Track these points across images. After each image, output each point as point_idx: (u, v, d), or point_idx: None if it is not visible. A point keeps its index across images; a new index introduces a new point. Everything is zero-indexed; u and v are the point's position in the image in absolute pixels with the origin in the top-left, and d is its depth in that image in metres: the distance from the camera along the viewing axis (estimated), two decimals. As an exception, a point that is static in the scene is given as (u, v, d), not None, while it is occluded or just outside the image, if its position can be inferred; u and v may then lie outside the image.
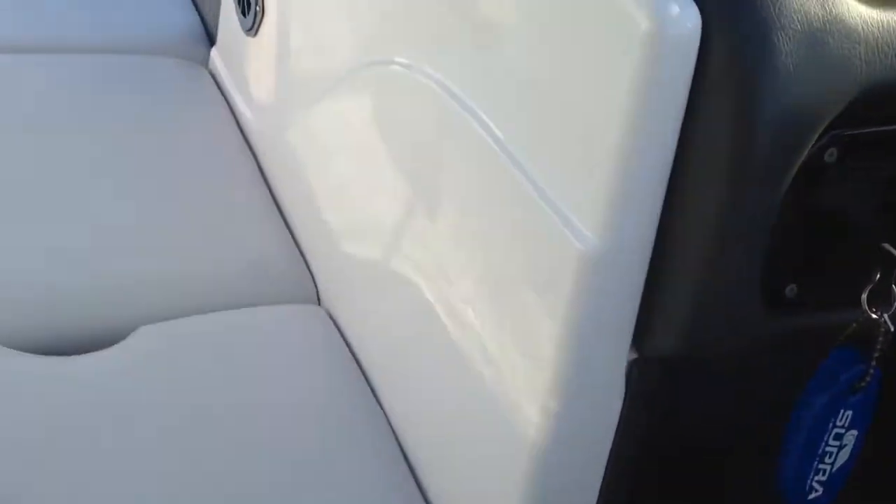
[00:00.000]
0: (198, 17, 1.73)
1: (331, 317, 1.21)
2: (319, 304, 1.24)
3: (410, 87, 0.98)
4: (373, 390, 1.10)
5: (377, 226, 1.08)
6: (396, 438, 1.05)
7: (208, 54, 1.66)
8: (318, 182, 1.24)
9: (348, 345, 1.17)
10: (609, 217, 0.72)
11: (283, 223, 1.33)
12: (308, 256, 1.28)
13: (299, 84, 1.31)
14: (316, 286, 1.26)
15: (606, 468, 0.84)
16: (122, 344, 1.08)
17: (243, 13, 1.47)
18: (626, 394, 0.80)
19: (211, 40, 1.68)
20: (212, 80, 1.61)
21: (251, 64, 1.48)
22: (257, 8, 1.41)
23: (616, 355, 0.79)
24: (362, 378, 1.12)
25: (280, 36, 1.36)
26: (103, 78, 1.52)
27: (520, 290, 0.83)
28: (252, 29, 1.44)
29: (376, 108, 1.08)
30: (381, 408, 1.08)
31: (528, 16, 0.80)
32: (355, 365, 1.14)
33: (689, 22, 0.66)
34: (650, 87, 0.67)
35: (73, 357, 1.06)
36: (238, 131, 1.50)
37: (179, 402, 1.04)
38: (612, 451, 0.82)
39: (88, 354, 1.06)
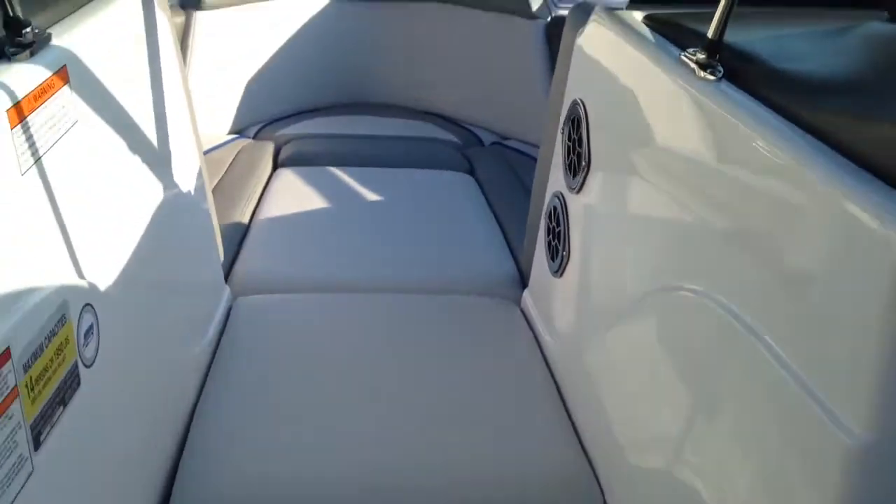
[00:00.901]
0: (514, 264, 2.01)
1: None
2: (606, 515, 1.32)
3: (695, 310, 1.10)
4: None
5: (664, 438, 1.16)
6: None
7: (521, 295, 1.91)
8: (609, 398, 1.36)
9: None
10: (872, 412, 0.77)
11: (576, 439, 1.45)
12: (597, 468, 1.38)
13: (595, 313, 1.47)
14: (603, 496, 1.34)
15: None
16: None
17: (552, 258, 1.70)
18: None
19: (524, 283, 1.93)
20: (522, 317, 1.83)
21: (556, 301, 1.68)
22: (564, 253, 1.63)
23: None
24: None
25: (581, 274, 1.56)
26: (436, 314, 1.80)
27: (794, 488, 0.86)
28: (558, 271, 1.66)
29: (662, 328, 1.21)
30: None
31: (798, 252, 0.91)
32: None
33: None
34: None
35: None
36: (542, 359, 1.68)
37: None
38: None
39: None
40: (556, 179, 1.70)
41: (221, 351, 1.64)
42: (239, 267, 1.96)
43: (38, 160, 1.01)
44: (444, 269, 1.99)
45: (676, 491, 1.11)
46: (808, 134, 0.96)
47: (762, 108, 1.04)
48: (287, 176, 2.48)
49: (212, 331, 1.67)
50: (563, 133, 1.66)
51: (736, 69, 1.14)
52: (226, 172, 2.48)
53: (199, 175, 1.74)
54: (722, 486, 1.00)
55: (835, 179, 0.85)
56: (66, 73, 1.12)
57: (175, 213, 1.52)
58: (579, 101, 1.57)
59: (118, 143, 1.29)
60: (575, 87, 1.63)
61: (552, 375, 1.63)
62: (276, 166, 2.60)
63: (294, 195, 2.34)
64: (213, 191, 2.14)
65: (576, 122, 1.58)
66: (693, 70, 1.18)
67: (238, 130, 2.87)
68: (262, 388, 1.53)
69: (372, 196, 2.36)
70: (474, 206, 2.34)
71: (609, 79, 1.47)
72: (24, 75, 1.02)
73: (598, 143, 1.50)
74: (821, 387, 0.84)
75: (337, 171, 2.50)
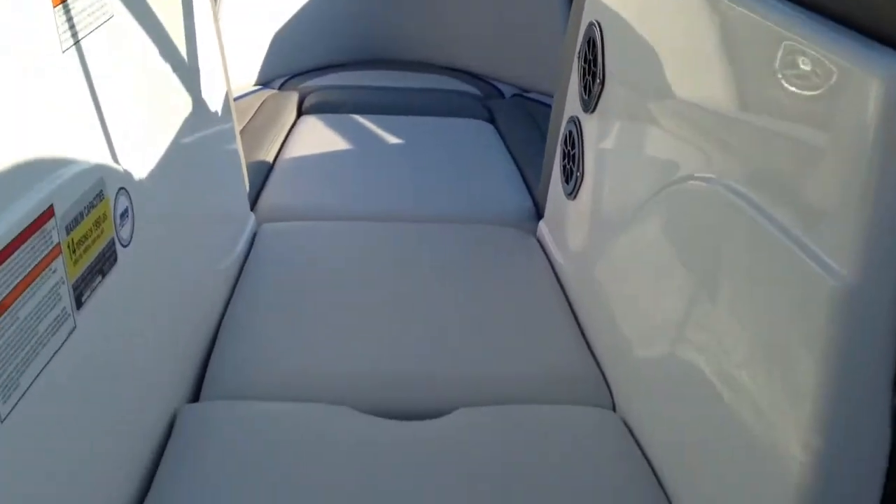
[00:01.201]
0: (531, 200, 2.06)
1: (626, 425, 1.32)
2: (615, 411, 1.37)
3: (704, 197, 1.14)
4: (668, 497, 1.18)
5: (666, 326, 1.21)
6: None
7: (537, 226, 1.96)
8: (616, 300, 1.42)
9: (644, 453, 1.27)
10: (857, 254, 0.81)
11: (585, 343, 1.52)
12: (605, 368, 1.43)
13: (606, 223, 1.52)
14: (612, 395, 1.39)
15: None
16: (445, 418, 1.30)
17: (566, 181, 1.75)
18: (892, 438, 0.83)
19: (539, 215, 1.99)
20: (538, 246, 1.88)
21: (569, 223, 1.73)
22: (578, 174, 1.67)
23: (877, 396, 0.83)
24: (656, 484, 1.20)
25: (595, 191, 1.61)
26: (452, 240, 1.86)
27: (784, 334, 0.91)
28: (572, 193, 1.71)
29: (670, 220, 1.25)
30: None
31: (800, 115, 0.95)
32: (649, 470, 1.23)
33: None
34: (890, 133, 0.79)
35: (406, 423, 1.29)
36: (555, 278, 1.73)
37: (477, 473, 1.20)
38: (883, 496, 0.83)
39: (418, 422, 1.29)
40: (573, 105, 1.75)
41: (248, 268, 1.71)
42: (264, 198, 2.02)
43: (77, 42, 1.07)
44: (461, 201, 2.05)
45: (679, 371, 1.15)
46: (808, 10, 1.00)
47: None
48: (311, 122, 2.54)
49: (238, 249, 1.74)
50: (579, 57, 1.71)
51: None
52: (251, 118, 2.55)
53: (227, 108, 1.80)
54: (720, 359, 1.05)
55: (836, 45, 0.90)
56: None
57: (203, 138, 1.58)
58: (595, 23, 1.62)
59: (152, 52, 1.35)
60: (591, 11, 1.67)
61: (564, 293, 1.68)
62: (300, 114, 2.67)
63: (318, 138, 2.40)
64: (240, 133, 2.20)
65: (591, 44, 1.62)
66: None
67: (263, 82, 2.94)
68: (287, 299, 1.59)
69: (394, 139, 2.42)
70: (494, 149, 2.39)
71: (623, -4, 1.51)
72: None
73: (612, 58, 1.54)
74: (810, 235, 0.88)
75: (360, 118, 2.56)
